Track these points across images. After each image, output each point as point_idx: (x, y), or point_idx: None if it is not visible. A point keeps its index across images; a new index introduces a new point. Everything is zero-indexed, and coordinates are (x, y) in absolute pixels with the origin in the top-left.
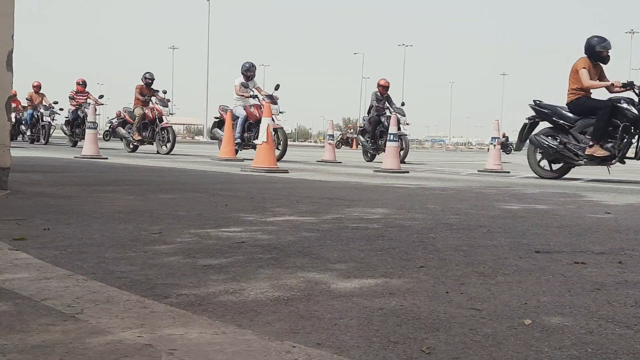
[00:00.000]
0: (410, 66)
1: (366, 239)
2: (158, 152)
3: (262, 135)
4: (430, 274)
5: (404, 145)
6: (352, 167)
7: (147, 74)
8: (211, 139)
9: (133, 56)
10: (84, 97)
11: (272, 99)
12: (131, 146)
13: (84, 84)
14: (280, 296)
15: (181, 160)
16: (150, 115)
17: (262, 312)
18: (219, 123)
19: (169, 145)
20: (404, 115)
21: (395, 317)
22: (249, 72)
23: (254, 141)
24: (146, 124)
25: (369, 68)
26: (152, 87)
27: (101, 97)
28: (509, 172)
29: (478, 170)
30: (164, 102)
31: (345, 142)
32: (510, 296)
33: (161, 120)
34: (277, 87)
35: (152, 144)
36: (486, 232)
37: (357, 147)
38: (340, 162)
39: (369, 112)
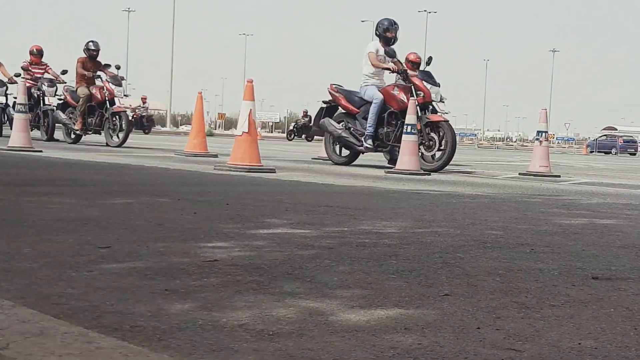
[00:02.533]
0: (433, 39)
1: (375, 259)
2: (107, 144)
3: (243, 125)
4: (457, 304)
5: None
6: (359, 167)
7: (90, 44)
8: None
9: (76, 20)
10: (42, 70)
11: (429, 78)
12: (73, 136)
13: (40, 53)
14: (263, 330)
15: (137, 154)
16: (99, 97)
17: (241, 350)
18: (329, 110)
19: (121, 135)
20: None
21: (412, 358)
22: (388, 32)
23: (389, 143)
24: (93, 108)
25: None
26: (97, 59)
27: (64, 72)
28: (559, 177)
29: (519, 174)
30: (117, 80)
31: None
32: (559, 334)
33: (113, 104)
34: (429, 61)
35: (100, 134)
36: (529, 252)
37: None
38: None
39: None
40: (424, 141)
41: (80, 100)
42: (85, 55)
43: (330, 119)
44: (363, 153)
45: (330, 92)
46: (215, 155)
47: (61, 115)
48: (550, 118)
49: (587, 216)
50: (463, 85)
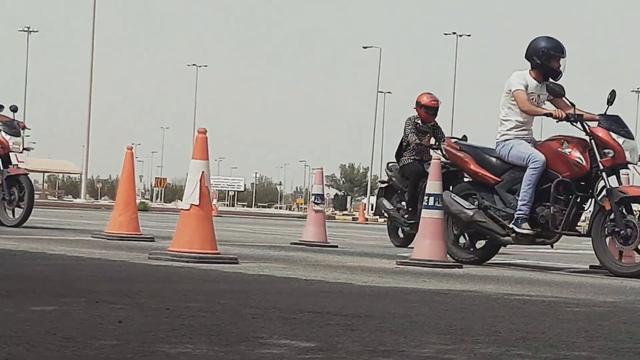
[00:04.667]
0: (466, 71)
1: None
2: (1, 223)
3: (192, 195)
4: None
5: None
6: (358, 256)
7: None
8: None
9: None
10: None
11: (619, 127)
12: None
13: None
14: None
15: (38, 236)
16: None
17: None
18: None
19: (21, 210)
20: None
21: None
22: (553, 60)
23: (557, 231)
24: None
25: (390, 74)
26: None
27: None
28: None
29: (591, 266)
30: (14, 128)
31: None
32: None
33: (7, 163)
34: (612, 98)
35: None
36: None
37: (366, 217)
38: (336, 246)
39: (400, 155)
40: (617, 229)
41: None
42: None
43: (453, 194)
44: (506, 245)
45: (447, 151)
46: (151, 239)
47: None
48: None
49: None
50: None
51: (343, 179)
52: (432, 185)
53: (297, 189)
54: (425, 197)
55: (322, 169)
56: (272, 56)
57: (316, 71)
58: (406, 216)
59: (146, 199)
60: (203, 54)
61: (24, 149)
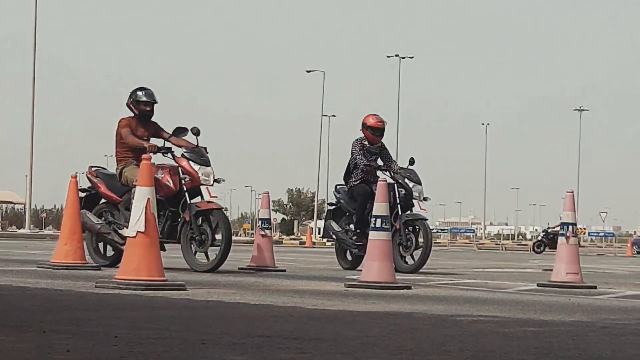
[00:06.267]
0: (409, 94)
1: None
2: (192, 268)
3: (138, 222)
4: None
5: (421, 240)
6: (307, 279)
7: (138, 91)
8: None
9: None
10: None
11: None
12: (113, 252)
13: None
14: None
15: None
16: (171, 185)
17: None
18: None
19: (219, 249)
20: (419, 183)
21: None
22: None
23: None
24: (159, 205)
25: (335, 97)
26: (152, 119)
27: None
28: (594, 288)
29: (538, 284)
30: (202, 156)
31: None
32: None
33: (194, 195)
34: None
35: (163, 248)
36: None
37: (313, 240)
38: (284, 270)
39: (349, 176)
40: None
41: (135, 189)
42: (132, 114)
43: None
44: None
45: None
46: (98, 267)
47: (91, 219)
48: (579, 205)
49: (639, 344)
50: (454, 159)
51: (290, 204)
52: (379, 206)
53: (243, 214)
54: (373, 219)
55: (268, 193)
56: (215, 79)
57: (260, 95)
58: (354, 238)
59: None
60: (143, 79)
61: (214, 180)
